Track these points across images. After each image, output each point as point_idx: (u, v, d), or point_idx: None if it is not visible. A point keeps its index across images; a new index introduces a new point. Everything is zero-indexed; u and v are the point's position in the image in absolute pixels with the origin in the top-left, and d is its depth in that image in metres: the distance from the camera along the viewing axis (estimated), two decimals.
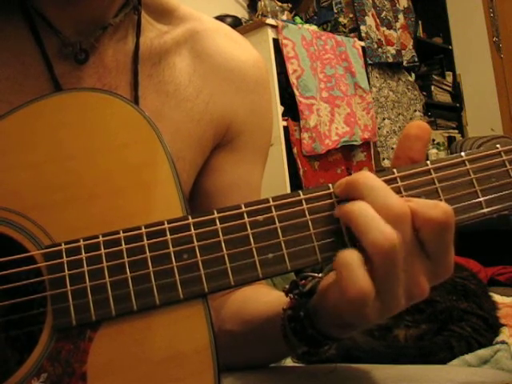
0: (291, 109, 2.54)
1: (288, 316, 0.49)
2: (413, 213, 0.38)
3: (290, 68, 2.51)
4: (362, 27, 3.11)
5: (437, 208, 0.38)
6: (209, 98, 0.61)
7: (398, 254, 0.37)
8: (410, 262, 0.39)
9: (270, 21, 2.54)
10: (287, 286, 0.51)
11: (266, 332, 0.54)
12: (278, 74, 2.50)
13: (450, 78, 4.08)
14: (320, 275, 0.47)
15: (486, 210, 0.42)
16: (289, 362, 1.16)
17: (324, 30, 3.08)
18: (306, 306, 0.47)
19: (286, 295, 0.50)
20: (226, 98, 0.62)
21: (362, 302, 0.37)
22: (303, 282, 0.49)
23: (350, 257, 0.38)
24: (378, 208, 0.38)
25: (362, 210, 0.39)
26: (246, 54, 0.65)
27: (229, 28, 0.68)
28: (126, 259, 0.40)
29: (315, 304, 0.47)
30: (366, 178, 0.40)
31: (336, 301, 0.41)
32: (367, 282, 0.37)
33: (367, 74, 3.04)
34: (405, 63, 3.45)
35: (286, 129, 2.49)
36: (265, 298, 0.58)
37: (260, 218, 0.41)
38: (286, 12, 2.94)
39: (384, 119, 3.21)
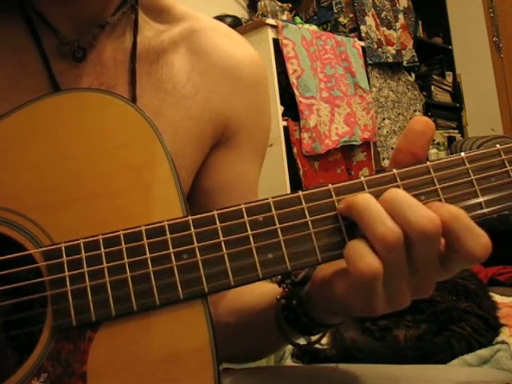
0: (291, 109, 2.53)
1: (281, 305, 0.50)
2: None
3: (290, 68, 2.51)
4: (362, 27, 3.11)
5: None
6: (207, 95, 0.61)
7: (401, 251, 0.38)
8: (426, 268, 0.39)
9: (269, 21, 2.54)
10: (279, 277, 0.52)
11: (260, 323, 0.55)
12: (278, 73, 2.50)
13: (450, 78, 4.08)
14: None
15: (485, 210, 0.42)
16: (289, 362, 1.16)
17: (324, 30, 3.08)
18: (299, 294, 0.49)
19: (279, 285, 0.51)
20: (224, 96, 0.62)
21: (372, 282, 0.38)
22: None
23: (358, 242, 0.39)
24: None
25: (367, 204, 0.39)
26: (244, 52, 0.65)
27: (226, 26, 0.68)
28: (125, 259, 0.40)
29: (309, 291, 0.48)
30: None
31: (344, 289, 0.41)
32: (376, 261, 0.38)
33: (367, 74, 3.03)
34: (405, 63, 3.45)
35: (285, 129, 2.49)
36: (257, 290, 0.59)
37: (260, 217, 0.41)
38: (285, 12, 2.94)
39: (384, 119, 3.21)
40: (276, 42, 2.52)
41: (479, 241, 0.37)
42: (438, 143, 3.66)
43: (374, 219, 0.38)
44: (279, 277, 0.52)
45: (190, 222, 0.41)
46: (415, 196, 0.41)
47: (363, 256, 0.38)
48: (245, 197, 0.46)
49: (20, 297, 0.39)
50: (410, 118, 3.43)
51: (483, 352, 1.08)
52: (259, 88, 0.66)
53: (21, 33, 0.55)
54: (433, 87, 3.89)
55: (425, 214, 0.37)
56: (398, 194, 0.39)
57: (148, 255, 0.40)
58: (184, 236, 0.40)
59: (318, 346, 1.19)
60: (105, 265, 0.39)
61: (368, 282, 0.38)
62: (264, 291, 0.57)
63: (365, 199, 0.39)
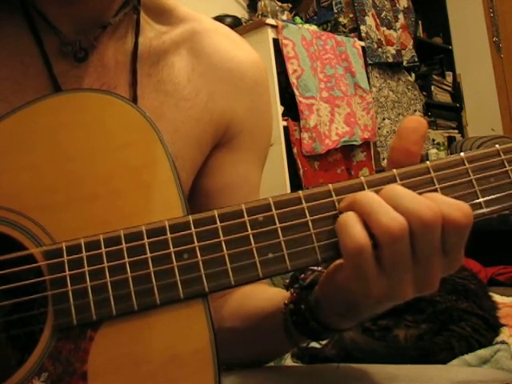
0: (291, 109, 2.54)
1: (290, 310, 0.50)
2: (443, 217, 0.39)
3: (290, 68, 2.51)
4: (362, 27, 3.11)
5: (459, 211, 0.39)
6: (208, 97, 0.61)
7: (405, 241, 0.38)
8: (429, 259, 0.39)
9: (269, 21, 2.54)
10: (287, 281, 0.52)
11: (267, 327, 0.55)
12: (278, 73, 2.50)
13: (449, 78, 4.08)
14: (319, 268, 0.48)
15: (485, 210, 0.42)
16: (289, 362, 1.16)
17: (324, 30, 3.08)
18: (307, 298, 0.49)
19: (287, 289, 0.51)
20: (225, 98, 0.62)
21: (359, 256, 0.38)
22: (303, 275, 0.50)
23: (347, 216, 0.40)
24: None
25: (369, 198, 0.40)
26: (245, 54, 0.66)
27: (228, 28, 0.68)
28: (126, 259, 0.40)
29: (317, 295, 0.48)
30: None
31: (344, 274, 0.42)
32: (362, 236, 0.38)
33: (367, 73, 3.04)
34: (405, 63, 3.45)
35: (285, 129, 2.49)
36: (264, 294, 0.58)
37: (260, 217, 0.41)
38: (286, 12, 2.94)
39: (384, 119, 3.21)
40: (276, 42, 2.52)
41: (460, 208, 0.39)
42: (438, 143, 3.66)
43: (377, 211, 0.38)
44: (287, 280, 0.52)
45: (191, 221, 0.41)
46: None
47: (348, 226, 0.39)
48: (246, 198, 0.46)
49: (20, 296, 0.39)
50: None
51: (483, 352, 1.08)
52: (260, 90, 0.66)
53: (22, 34, 0.55)
54: (433, 87, 3.89)
55: (425, 204, 0.38)
56: (397, 188, 0.40)
57: (149, 255, 0.40)
58: (184, 236, 0.40)
59: (317, 345, 1.19)
60: (105, 264, 0.39)
61: (353, 256, 0.38)
62: (271, 295, 0.57)
63: (366, 194, 0.40)
